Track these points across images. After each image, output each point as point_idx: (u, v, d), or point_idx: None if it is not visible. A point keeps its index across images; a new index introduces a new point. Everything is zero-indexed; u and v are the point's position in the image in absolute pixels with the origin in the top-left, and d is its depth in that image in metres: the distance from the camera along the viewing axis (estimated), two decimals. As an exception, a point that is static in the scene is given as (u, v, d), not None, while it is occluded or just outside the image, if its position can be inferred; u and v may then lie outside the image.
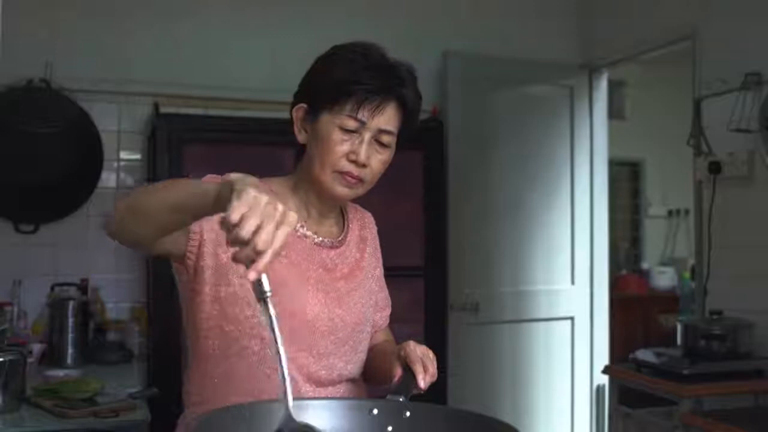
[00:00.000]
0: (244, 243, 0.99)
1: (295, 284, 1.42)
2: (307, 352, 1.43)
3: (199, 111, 3.48)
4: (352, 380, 1.51)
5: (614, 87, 5.41)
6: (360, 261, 1.56)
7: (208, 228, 1.35)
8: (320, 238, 1.49)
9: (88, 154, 3.40)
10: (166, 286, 3.15)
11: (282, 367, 1.04)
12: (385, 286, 1.65)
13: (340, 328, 1.47)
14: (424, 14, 3.86)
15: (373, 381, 1.57)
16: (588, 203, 4.09)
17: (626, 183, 6.87)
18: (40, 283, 3.22)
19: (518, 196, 3.90)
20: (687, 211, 6.30)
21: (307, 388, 1.43)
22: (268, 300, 1.04)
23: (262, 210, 0.99)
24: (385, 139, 1.41)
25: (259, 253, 0.98)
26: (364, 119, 1.38)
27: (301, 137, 1.45)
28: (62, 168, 3.35)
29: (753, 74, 2.96)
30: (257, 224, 0.98)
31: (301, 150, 1.48)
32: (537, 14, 4.07)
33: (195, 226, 1.34)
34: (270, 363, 1.38)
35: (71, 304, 3.09)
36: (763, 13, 3.00)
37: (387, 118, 1.40)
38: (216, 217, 1.07)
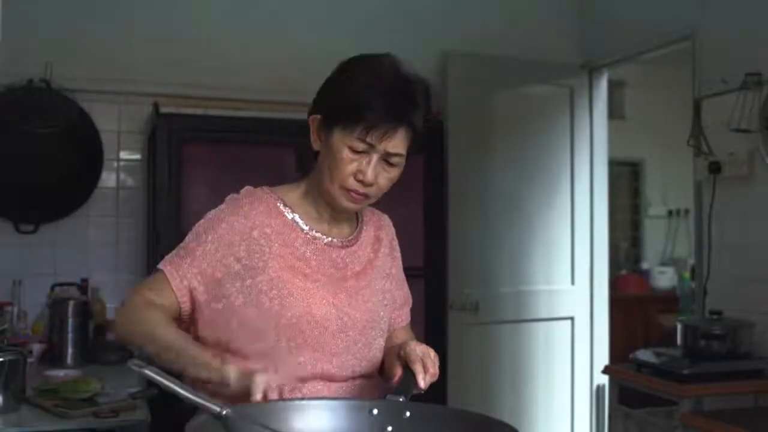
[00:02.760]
0: None
1: (301, 284, 1.45)
2: (319, 351, 1.45)
3: (199, 111, 3.48)
4: (366, 377, 1.53)
5: (614, 87, 5.41)
6: (373, 260, 1.59)
7: (190, 278, 1.45)
8: (330, 239, 1.52)
9: (88, 154, 3.40)
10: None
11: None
12: (404, 284, 1.70)
13: (350, 326, 1.49)
14: (424, 14, 3.85)
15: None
16: (588, 203, 4.08)
17: (626, 183, 6.87)
18: (40, 283, 3.22)
19: (518, 196, 3.90)
20: (687, 211, 6.30)
21: (319, 386, 1.45)
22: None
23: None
24: (394, 159, 1.45)
25: None
26: (373, 143, 1.41)
27: (315, 145, 1.49)
28: (62, 168, 3.35)
29: (753, 74, 2.96)
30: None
31: (315, 155, 1.52)
32: (537, 14, 4.07)
33: (181, 294, 1.45)
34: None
35: (71, 304, 3.08)
36: (763, 13, 3.00)
37: (396, 142, 1.43)
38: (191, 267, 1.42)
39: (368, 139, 1.40)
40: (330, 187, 1.46)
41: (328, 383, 1.47)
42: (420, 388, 1.36)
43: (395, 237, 1.70)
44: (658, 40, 3.64)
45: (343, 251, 1.54)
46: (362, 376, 1.52)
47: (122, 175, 3.51)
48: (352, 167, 1.43)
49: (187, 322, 1.49)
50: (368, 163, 1.42)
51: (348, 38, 3.68)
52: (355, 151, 1.42)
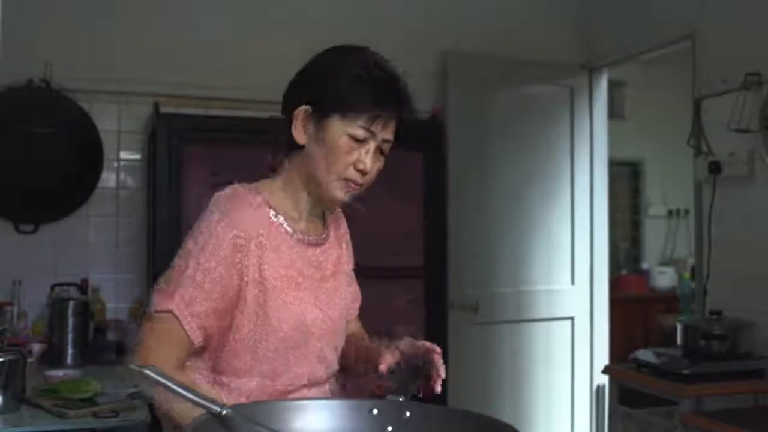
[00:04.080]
0: None
1: (294, 294, 1.44)
2: (308, 357, 1.46)
3: (199, 111, 3.48)
4: (335, 372, 1.56)
5: (614, 87, 5.41)
6: (340, 257, 1.59)
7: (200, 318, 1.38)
8: (308, 237, 1.50)
9: (88, 154, 3.40)
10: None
11: None
12: (354, 280, 1.69)
13: (331, 327, 1.50)
14: (424, 14, 3.86)
15: (352, 373, 1.60)
16: (588, 203, 4.08)
17: (626, 183, 6.87)
18: (40, 283, 3.22)
19: (518, 196, 3.90)
20: (687, 211, 6.29)
21: (312, 392, 1.47)
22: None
23: None
24: (386, 147, 1.46)
25: None
26: (376, 131, 1.41)
27: (302, 138, 1.44)
28: (62, 168, 3.35)
29: (753, 74, 2.96)
30: None
31: (288, 149, 1.48)
32: (537, 14, 4.07)
33: (194, 335, 1.37)
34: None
35: (71, 304, 3.08)
36: (763, 13, 3.00)
37: (391, 129, 1.44)
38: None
39: (372, 128, 1.40)
40: (326, 179, 1.42)
41: (315, 387, 1.48)
42: (433, 390, 1.37)
43: (348, 231, 1.67)
44: (658, 40, 3.64)
45: (318, 249, 1.51)
46: (335, 372, 1.55)
47: (122, 175, 3.51)
48: (352, 157, 1.41)
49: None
50: (367, 152, 1.42)
51: (348, 38, 3.67)
52: (355, 140, 1.40)
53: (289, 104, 1.47)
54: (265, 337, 1.40)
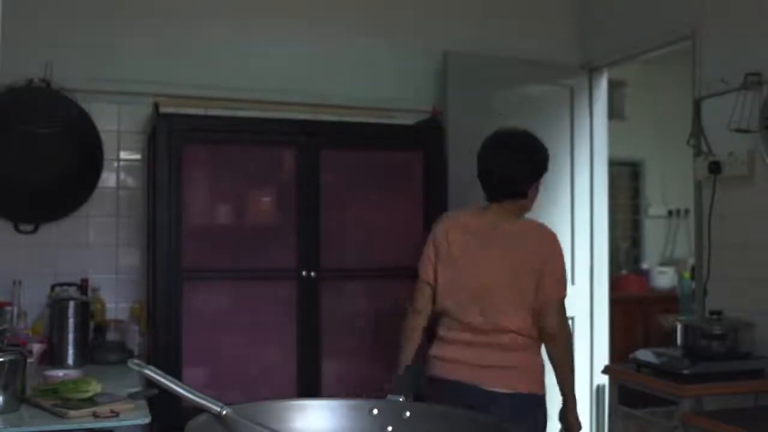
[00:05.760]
0: None
1: None
2: None
3: (199, 111, 3.48)
4: None
5: (614, 87, 5.41)
6: None
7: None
8: None
9: (88, 154, 3.40)
10: (166, 286, 3.15)
11: None
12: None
13: None
14: (424, 14, 3.86)
15: None
16: (588, 203, 4.08)
17: (626, 183, 6.87)
18: (40, 283, 3.22)
19: (518, 196, 3.90)
20: (687, 211, 6.29)
21: None
22: None
23: None
24: None
25: None
26: None
27: (530, 192, 2.57)
28: (62, 168, 3.35)
29: (753, 74, 2.96)
30: None
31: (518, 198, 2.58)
32: (537, 14, 4.07)
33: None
34: None
35: (71, 304, 3.09)
36: (763, 13, 3.00)
37: None
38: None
39: None
40: (532, 206, 2.59)
41: None
42: None
43: None
44: (658, 40, 3.65)
45: None
46: None
47: (122, 175, 3.51)
48: None
49: None
50: None
51: (348, 38, 3.69)
52: None
53: (531, 181, 2.57)
54: None
